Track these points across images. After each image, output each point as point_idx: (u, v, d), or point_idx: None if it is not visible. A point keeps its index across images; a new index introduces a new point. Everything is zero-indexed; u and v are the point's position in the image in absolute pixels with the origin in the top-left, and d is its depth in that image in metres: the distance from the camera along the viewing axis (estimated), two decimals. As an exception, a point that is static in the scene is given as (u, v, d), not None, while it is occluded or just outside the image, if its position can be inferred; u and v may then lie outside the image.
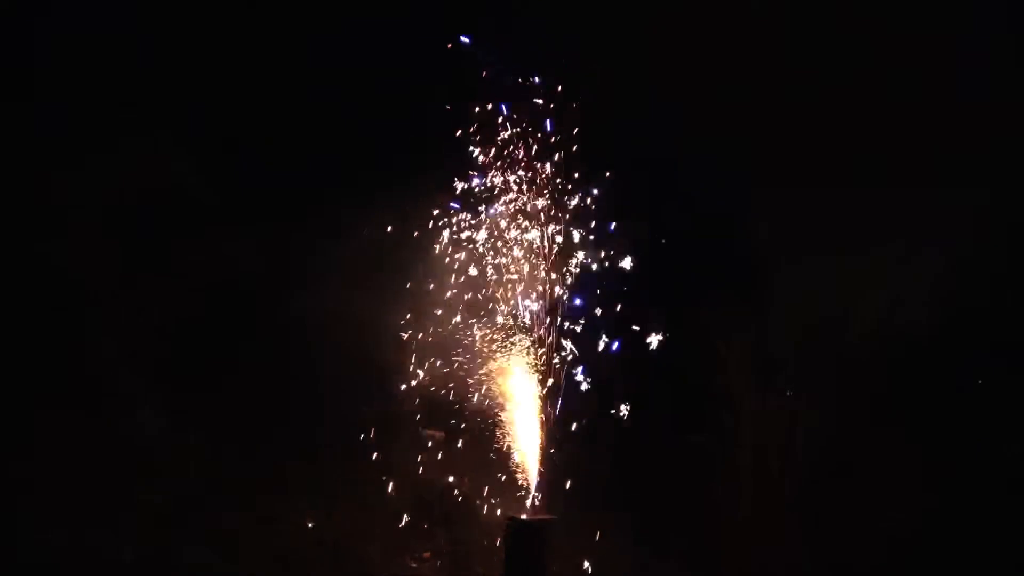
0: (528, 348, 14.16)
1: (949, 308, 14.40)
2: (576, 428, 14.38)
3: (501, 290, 14.28)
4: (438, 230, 14.38)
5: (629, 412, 14.63)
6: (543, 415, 14.13)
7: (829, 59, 14.73)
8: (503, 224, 14.29)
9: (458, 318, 14.34)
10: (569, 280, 14.39)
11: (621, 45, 14.83)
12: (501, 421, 14.24)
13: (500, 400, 14.22)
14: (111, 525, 13.70)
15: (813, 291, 14.51)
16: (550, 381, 14.20)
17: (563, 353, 14.27)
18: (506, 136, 14.29)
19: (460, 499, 14.49)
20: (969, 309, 14.52)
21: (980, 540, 14.25)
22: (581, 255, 14.47)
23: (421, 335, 14.41)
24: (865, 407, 14.64)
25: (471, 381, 14.23)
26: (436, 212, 14.37)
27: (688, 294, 14.93)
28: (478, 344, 14.14)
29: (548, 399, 14.14)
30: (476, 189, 14.32)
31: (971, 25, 14.39)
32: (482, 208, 14.31)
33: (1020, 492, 14.37)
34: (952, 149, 14.33)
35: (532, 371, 14.13)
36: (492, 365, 14.20)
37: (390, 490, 14.51)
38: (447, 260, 14.39)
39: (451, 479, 14.54)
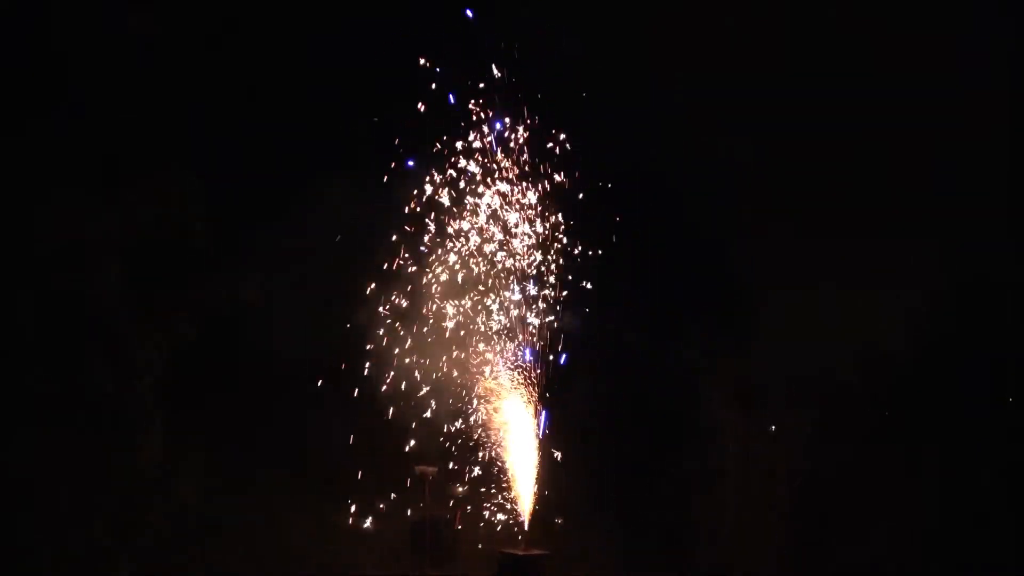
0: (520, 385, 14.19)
1: (932, 332, 14.66)
2: (566, 459, 14.41)
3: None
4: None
5: (616, 442, 14.76)
6: (536, 448, 14.14)
7: (823, 90, 14.87)
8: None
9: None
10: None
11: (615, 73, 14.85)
12: (495, 457, 14.25)
13: (494, 436, 14.24)
14: (110, 543, 13.73)
15: (797, 319, 14.63)
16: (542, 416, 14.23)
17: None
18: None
19: (452, 533, 14.48)
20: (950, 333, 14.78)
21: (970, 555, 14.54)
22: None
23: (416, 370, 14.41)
24: (851, 432, 14.85)
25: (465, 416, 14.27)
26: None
27: (673, 323, 15.03)
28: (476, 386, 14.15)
29: (539, 432, 14.17)
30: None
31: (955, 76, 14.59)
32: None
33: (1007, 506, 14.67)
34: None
35: (526, 404, 14.15)
36: (485, 400, 14.21)
37: (383, 523, 14.54)
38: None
39: (444, 513, 14.50)
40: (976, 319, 15.02)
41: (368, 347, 14.23)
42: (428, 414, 14.31)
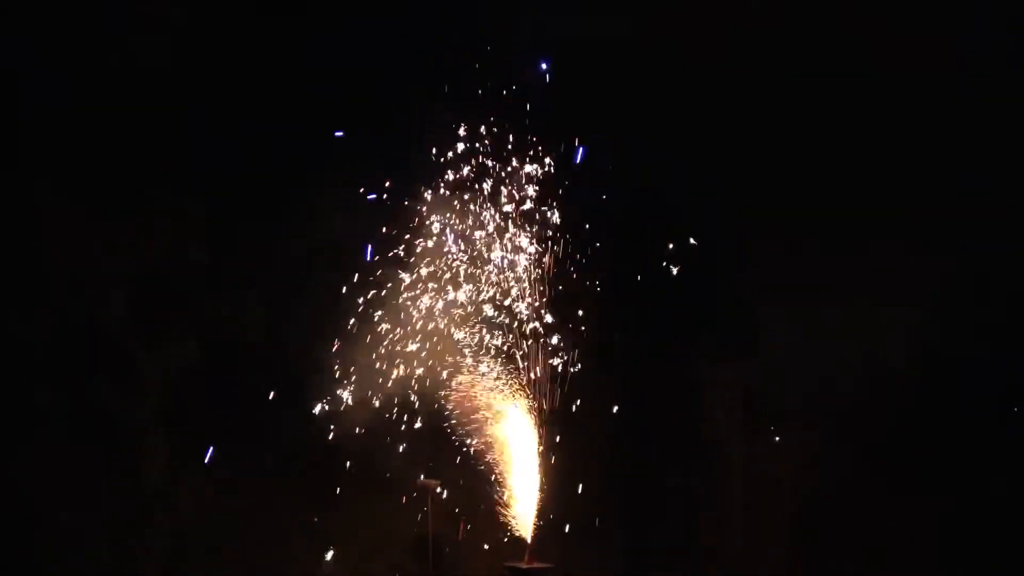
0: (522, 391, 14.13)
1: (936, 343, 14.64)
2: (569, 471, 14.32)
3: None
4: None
5: (619, 455, 14.71)
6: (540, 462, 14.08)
7: (824, 101, 14.89)
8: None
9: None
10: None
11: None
12: (497, 468, 14.17)
13: (495, 446, 14.17)
14: (111, 561, 13.65)
15: (802, 333, 14.59)
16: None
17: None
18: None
19: (455, 548, 14.39)
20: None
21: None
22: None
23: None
24: (856, 447, 14.78)
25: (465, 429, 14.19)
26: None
27: (675, 336, 14.98)
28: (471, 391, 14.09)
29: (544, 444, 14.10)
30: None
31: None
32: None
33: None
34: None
35: (529, 413, 14.09)
36: (485, 409, 14.14)
37: (384, 540, 14.47)
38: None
39: (445, 527, 14.42)
40: (980, 329, 14.95)
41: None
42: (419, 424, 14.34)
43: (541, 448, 13.94)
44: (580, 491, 14.45)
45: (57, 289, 13.79)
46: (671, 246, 15.10)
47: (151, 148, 14.10)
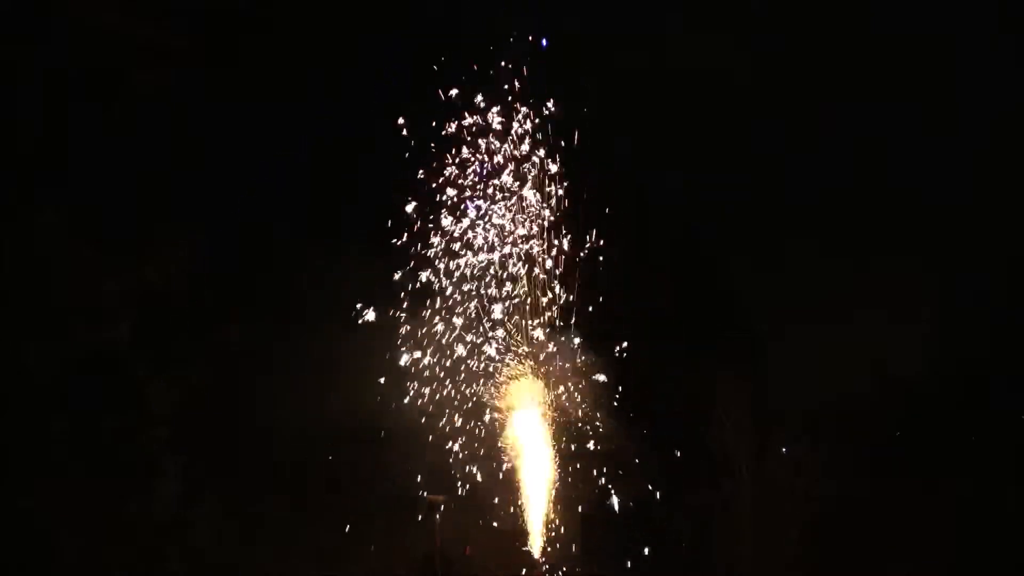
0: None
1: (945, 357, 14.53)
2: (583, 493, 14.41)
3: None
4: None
5: (632, 471, 14.75)
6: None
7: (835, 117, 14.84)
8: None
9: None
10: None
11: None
12: (507, 485, 14.29)
13: (507, 464, 14.27)
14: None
15: (810, 350, 14.55)
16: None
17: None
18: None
19: (462, 565, 14.53)
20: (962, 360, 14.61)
21: None
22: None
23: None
24: (865, 457, 14.70)
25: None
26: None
27: (687, 355, 14.98)
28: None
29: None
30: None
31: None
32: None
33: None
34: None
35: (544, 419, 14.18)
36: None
37: (393, 556, 14.62)
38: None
39: (453, 544, 14.54)
40: (987, 340, 14.82)
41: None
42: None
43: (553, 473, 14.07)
44: (589, 507, 14.53)
45: (69, 322, 14.07)
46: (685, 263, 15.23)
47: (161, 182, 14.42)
